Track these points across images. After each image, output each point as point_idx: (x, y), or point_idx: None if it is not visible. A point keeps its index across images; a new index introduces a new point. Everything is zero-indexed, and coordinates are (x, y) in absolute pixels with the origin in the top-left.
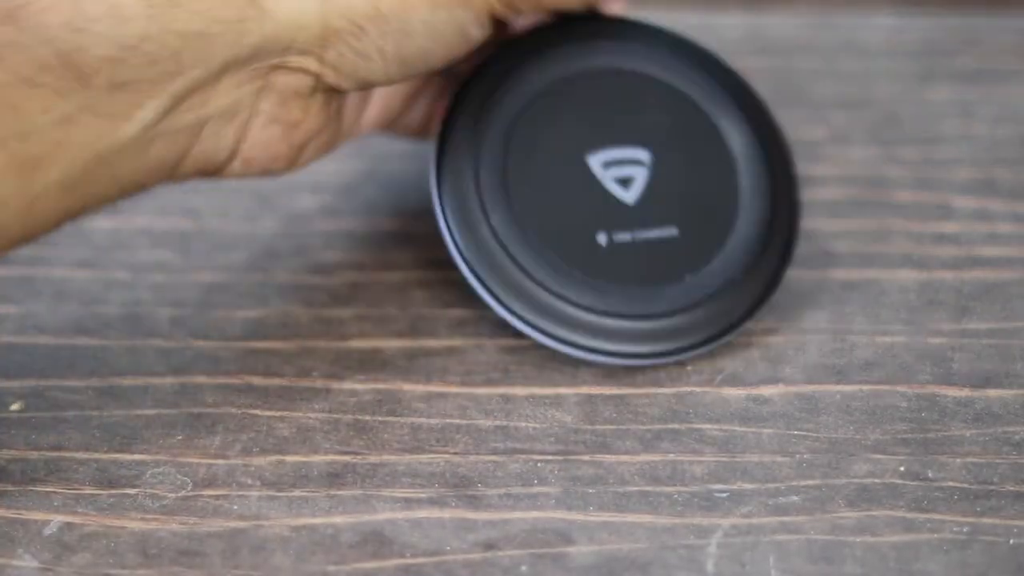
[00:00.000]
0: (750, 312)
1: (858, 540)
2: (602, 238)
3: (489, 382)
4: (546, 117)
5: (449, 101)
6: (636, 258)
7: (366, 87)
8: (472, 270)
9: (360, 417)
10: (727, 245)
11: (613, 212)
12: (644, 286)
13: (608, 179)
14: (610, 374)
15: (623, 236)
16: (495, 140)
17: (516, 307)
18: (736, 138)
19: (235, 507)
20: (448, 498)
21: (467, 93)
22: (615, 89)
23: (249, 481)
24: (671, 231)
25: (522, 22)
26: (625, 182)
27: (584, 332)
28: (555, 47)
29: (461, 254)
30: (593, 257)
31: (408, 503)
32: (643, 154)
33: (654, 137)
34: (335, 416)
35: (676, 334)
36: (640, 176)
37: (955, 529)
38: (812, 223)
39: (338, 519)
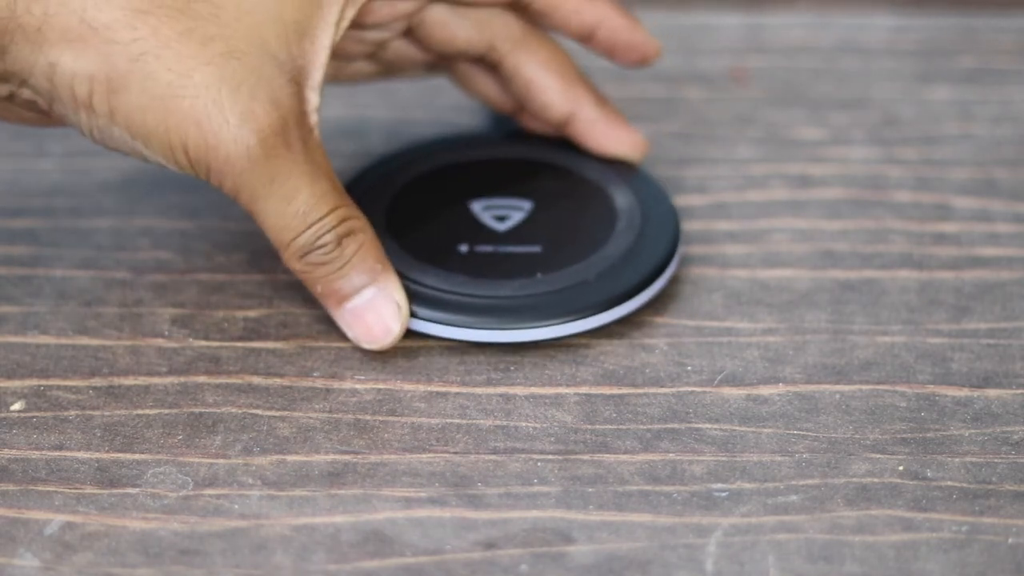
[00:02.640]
0: (599, 308)
1: (857, 539)
2: (463, 248)
3: (489, 382)
4: (438, 179)
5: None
6: (493, 261)
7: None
8: None
9: (360, 417)
10: (588, 259)
11: (481, 233)
12: (495, 278)
13: (485, 216)
14: (610, 374)
15: (485, 248)
16: (387, 188)
17: None
18: (622, 199)
19: (236, 506)
20: (448, 497)
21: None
22: (510, 167)
23: (250, 481)
24: (534, 248)
25: None
26: (501, 218)
27: (427, 306)
28: (456, 139)
29: None
30: (450, 259)
31: (408, 502)
32: (526, 204)
33: (541, 194)
34: (335, 416)
35: (520, 313)
36: (517, 216)
37: (954, 528)
38: (812, 223)
39: (339, 518)
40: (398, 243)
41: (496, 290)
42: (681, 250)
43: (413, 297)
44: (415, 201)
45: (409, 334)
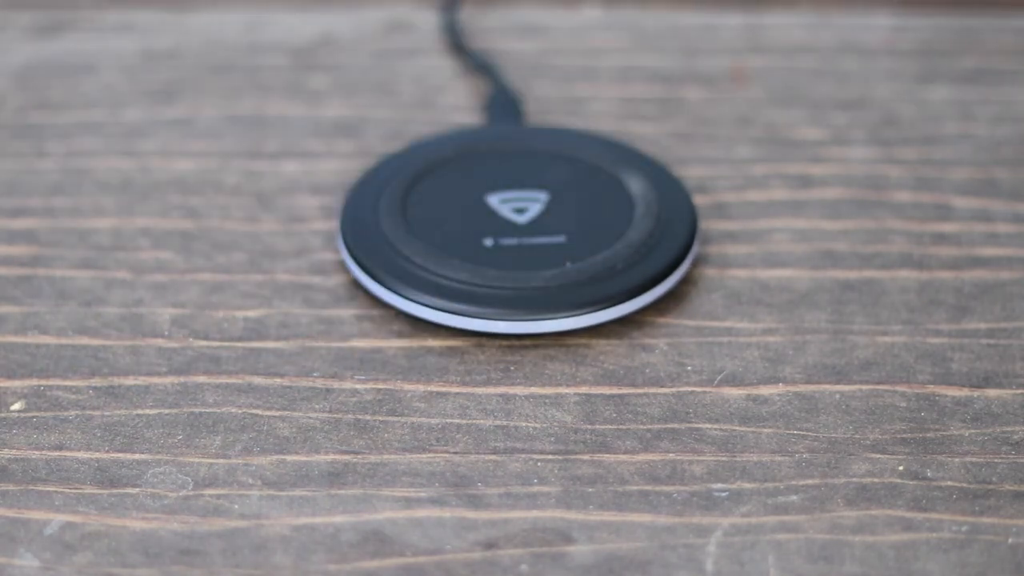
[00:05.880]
0: (629, 295)
1: (857, 539)
2: (488, 241)
3: (489, 382)
4: (450, 175)
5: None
6: (520, 253)
7: None
8: (352, 255)
9: (360, 417)
10: (613, 247)
11: (503, 227)
12: (524, 270)
13: (504, 209)
14: (610, 374)
15: (509, 240)
16: (399, 185)
17: (395, 285)
18: (636, 185)
19: (236, 506)
20: (448, 497)
21: (376, 167)
22: (519, 159)
23: (250, 480)
24: (559, 239)
25: None
26: (520, 211)
27: (459, 300)
28: (462, 134)
29: (348, 246)
30: (477, 253)
31: (408, 502)
32: (542, 195)
33: (555, 184)
34: (335, 416)
35: (549, 303)
36: (535, 207)
37: (954, 528)
38: (812, 223)
39: (339, 518)
40: (422, 240)
41: (528, 281)
42: (701, 226)
43: (449, 294)
44: (431, 198)
45: (427, 332)
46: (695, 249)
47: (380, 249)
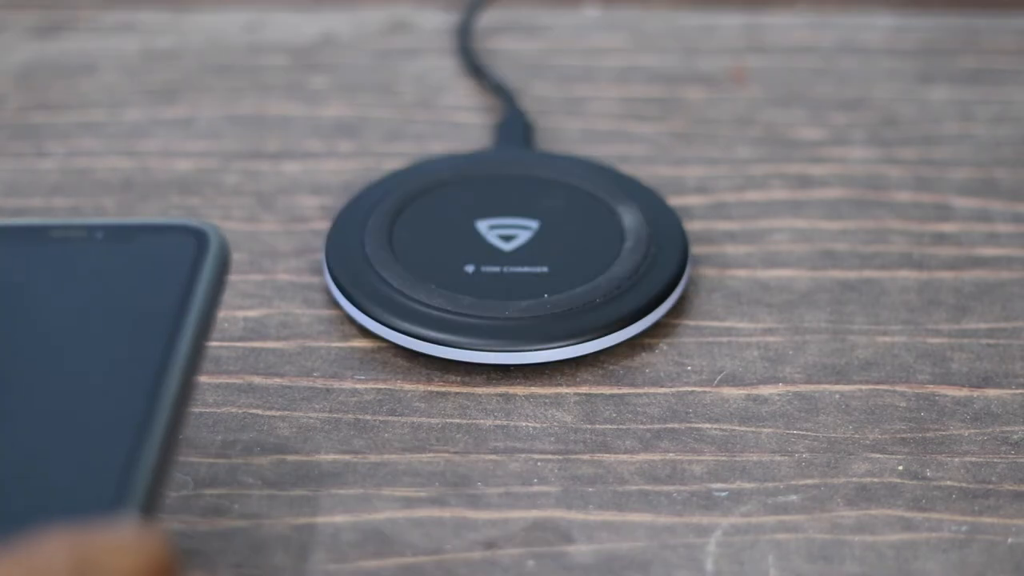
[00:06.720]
0: (605, 330)
1: (857, 539)
2: (469, 268)
3: (489, 382)
4: (444, 198)
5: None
6: (500, 282)
7: None
8: (334, 277)
9: (361, 416)
10: (595, 280)
11: (488, 253)
12: (502, 299)
13: (491, 236)
14: (610, 374)
15: (491, 268)
16: (388, 206)
17: (369, 307)
18: (630, 218)
19: (236, 506)
20: (448, 497)
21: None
22: (517, 185)
23: (250, 480)
24: (542, 269)
25: None
26: (508, 238)
27: (432, 327)
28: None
29: (331, 269)
30: (456, 279)
31: (408, 502)
32: (533, 223)
33: (547, 213)
34: (336, 416)
35: (525, 334)
36: (524, 235)
37: (953, 528)
38: (812, 223)
39: (339, 518)
40: (401, 263)
41: (501, 311)
42: (690, 270)
43: (417, 318)
44: (420, 219)
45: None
46: (683, 284)
47: (362, 270)
